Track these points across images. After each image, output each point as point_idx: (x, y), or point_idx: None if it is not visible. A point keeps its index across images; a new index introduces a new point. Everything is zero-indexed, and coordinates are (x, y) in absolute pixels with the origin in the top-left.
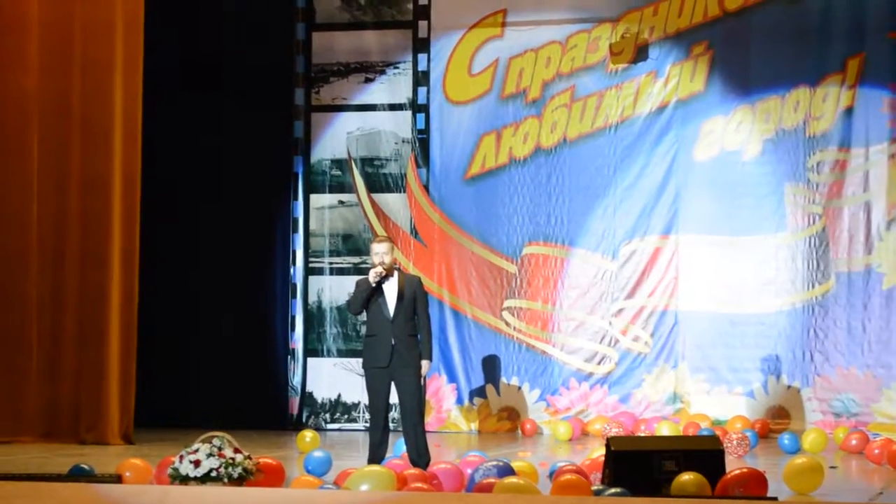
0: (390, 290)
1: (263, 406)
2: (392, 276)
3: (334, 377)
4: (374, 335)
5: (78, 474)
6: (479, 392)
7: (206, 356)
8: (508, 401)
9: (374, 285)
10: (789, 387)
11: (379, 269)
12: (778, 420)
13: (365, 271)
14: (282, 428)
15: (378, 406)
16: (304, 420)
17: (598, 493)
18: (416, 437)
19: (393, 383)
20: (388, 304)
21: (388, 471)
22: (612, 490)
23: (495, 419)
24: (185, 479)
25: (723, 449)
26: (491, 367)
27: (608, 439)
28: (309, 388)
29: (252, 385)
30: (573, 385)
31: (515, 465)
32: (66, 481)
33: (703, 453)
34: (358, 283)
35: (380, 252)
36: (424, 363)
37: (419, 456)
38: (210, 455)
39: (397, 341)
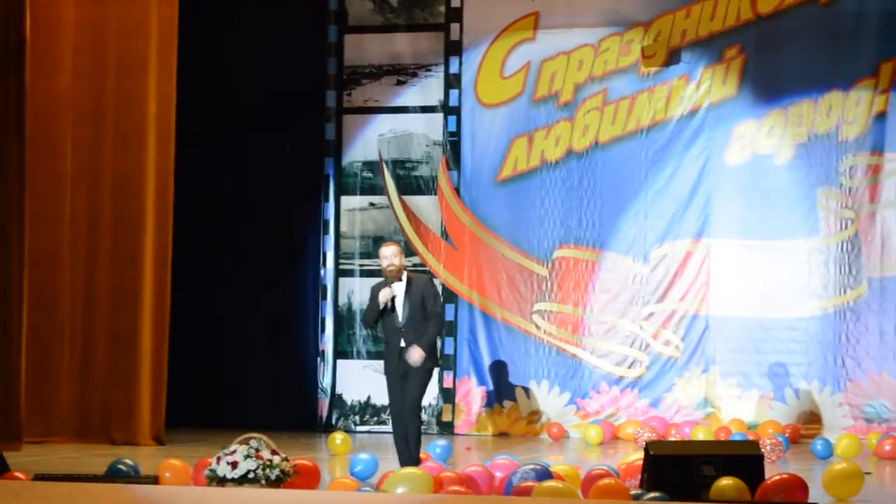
0: (398, 296)
1: (293, 408)
2: (401, 280)
3: (364, 379)
4: (387, 343)
5: (115, 475)
6: (509, 395)
7: (237, 357)
8: (538, 404)
9: (381, 308)
10: (820, 392)
11: (387, 292)
12: (809, 425)
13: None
14: (311, 430)
15: (397, 411)
16: (333, 422)
17: (636, 497)
18: (407, 434)
19: None
20: (398, 312)
21: (424, 473)
22: (651, 494)
23: (525, 422)
24: (222, 481)
25: (762, 454)
26: (521, 370)
27: (647, 443)
28: (338, 390)
29: (282, 387)
30: (603, 389)
31: (556, 468)
32: (102, 482)
33: (743, 458)
34: (372, 289)
35: (388, 255)
36: (416, 348)
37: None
38: (247, 456)
39: (408, 345)
